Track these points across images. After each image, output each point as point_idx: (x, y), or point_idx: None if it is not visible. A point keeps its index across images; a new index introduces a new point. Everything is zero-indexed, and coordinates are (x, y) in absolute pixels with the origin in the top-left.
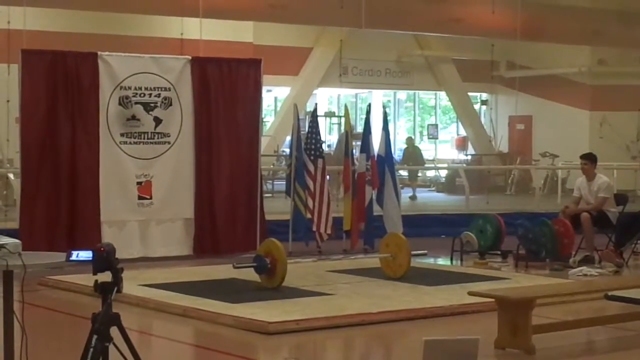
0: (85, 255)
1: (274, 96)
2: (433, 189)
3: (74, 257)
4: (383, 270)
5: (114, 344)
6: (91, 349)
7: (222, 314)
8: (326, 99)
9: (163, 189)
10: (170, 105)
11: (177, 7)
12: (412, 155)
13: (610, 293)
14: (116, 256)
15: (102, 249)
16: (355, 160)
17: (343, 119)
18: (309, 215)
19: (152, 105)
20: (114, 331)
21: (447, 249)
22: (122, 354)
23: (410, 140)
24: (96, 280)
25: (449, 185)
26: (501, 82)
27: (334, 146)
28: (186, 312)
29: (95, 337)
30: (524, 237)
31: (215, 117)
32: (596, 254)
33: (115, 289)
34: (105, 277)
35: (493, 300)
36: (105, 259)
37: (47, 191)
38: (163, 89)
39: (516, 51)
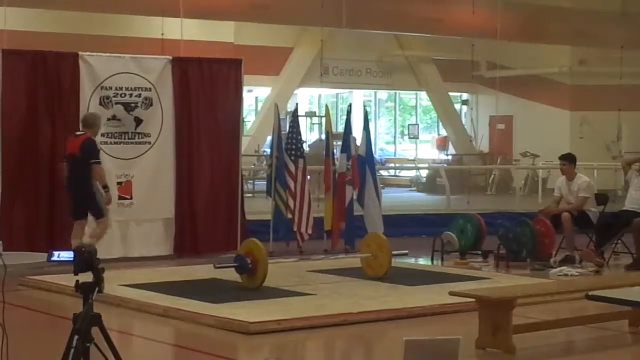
0: (66, 255)
1: (255, 96)
2: (414, 189)
3: (55, 258)
4: (364, 270)
5: (95, 344)
6: (72, 349)
7: (203, 314)
8: (307, 99)
9: (143, 189)
10: (151, 105)
11: (157, 7)
12: None
13: (590, 293)
14: (97, 256)
15: (83, 249)
16: (335, 160)
17: (324, 119)
18: (289, 215)
19: (132, 105)
20: (95, 331)
21: (428, 248)
22: (103, 354)
23: None
24: (77, 281)
25: (429, 185)
26: (482, 82)
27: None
28: (167, 312)
29: (76, 337)
30: (504, 237)
31: (196, 117)
32: (577, 254)
33: (97, 289)
34: (87, 277)
35: (474, 300)
36: (86, 259)
37: (27, 191)
38: (144, 89)
39: (496, 51)
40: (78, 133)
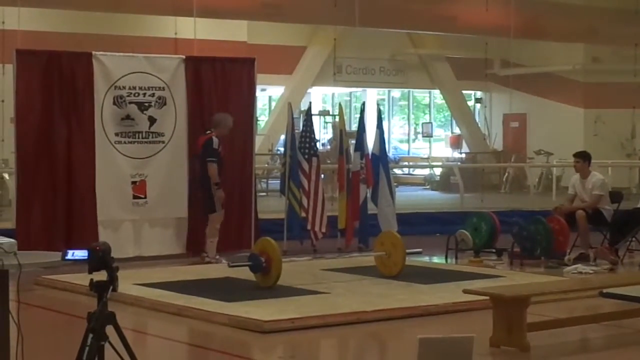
0: (80, 254)
1: (268, 95)
2: (428, 187)
3: (69, 257)
4: (378, 269)
5: (110, 342)
6: (87, 348)
7: (217, 312)
8: (320, 97)
9: (157, 188)
10: (165, 104)
11: (171, 6)
12: None
13: (605, 290)
14: (111, 255)
15: (97, 247)
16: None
17: (337, 118)
18: (303, 214)
19: (146, 104)
20: (110, 330)
21: (442, 247)
22: (117, 352)
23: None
24: (92, 279)
25: (443, 184)
26: (495, 80)
27: (327, 145)
28: (181, 311)
29: (90, 335)
30: (518, 235)
31: (209, 116)
32: (591, 252)
33: (111, 287)
34: (101, 276)
35: (488, 298)
36: (100, 258)
37: (42, 191)
38: (157, 89)
39: (510, 49)
40: (207, 132)
